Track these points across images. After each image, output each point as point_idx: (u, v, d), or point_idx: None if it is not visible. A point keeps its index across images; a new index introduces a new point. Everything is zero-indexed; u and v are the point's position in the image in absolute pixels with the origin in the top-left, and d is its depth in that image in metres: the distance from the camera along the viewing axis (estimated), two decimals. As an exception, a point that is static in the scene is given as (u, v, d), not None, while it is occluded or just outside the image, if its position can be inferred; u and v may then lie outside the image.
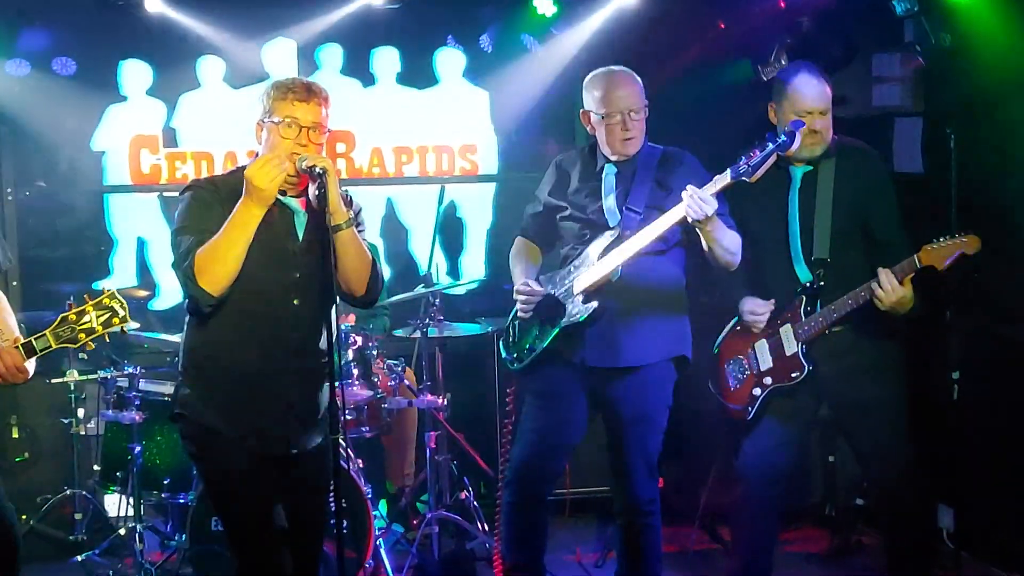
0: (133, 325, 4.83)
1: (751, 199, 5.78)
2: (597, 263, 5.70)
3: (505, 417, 6.74)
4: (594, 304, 5.67)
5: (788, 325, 5.83)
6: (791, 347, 5.81)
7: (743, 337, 6.02)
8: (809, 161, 5.83)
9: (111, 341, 7.81)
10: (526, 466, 5.98)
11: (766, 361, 5.90)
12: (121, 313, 4.62)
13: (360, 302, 4.99)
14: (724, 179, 5.41)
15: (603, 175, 5.87)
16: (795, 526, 7.69)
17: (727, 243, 5.59)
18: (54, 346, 4.62)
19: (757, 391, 5.91)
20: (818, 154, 5.81)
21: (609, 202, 5.81)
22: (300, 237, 4.81)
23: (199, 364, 4.87)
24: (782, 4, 8.09)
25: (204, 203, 4.75)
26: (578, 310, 5.72)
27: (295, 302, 4.77)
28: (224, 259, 4.57)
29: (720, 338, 6.14)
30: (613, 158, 5.85)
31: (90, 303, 4.59)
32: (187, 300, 4.81)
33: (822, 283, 5.76)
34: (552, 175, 6.10)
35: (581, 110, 5.91)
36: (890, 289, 5.48)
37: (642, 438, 5.82)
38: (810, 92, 5.78)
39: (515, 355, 6.05)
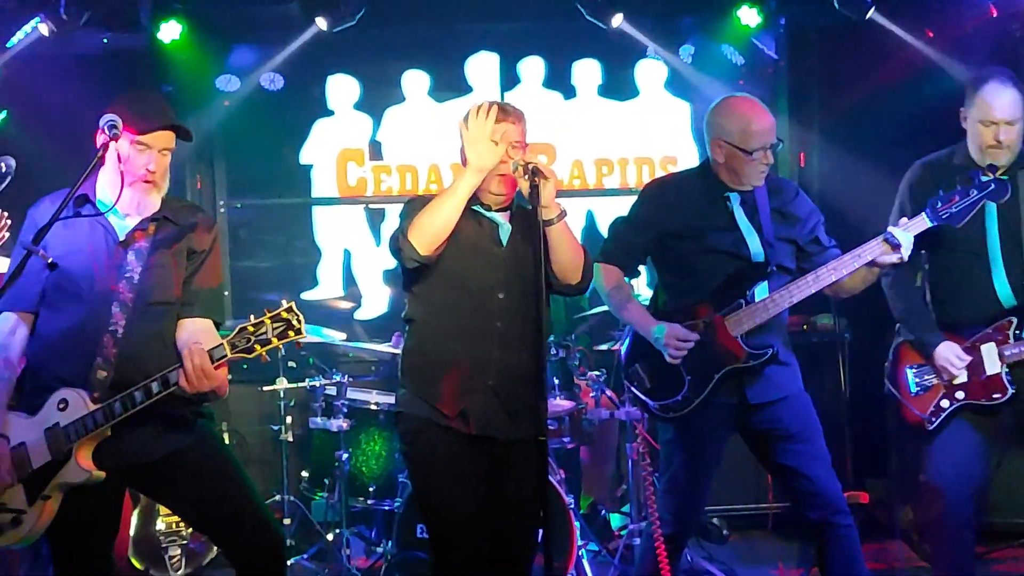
0: (308, 338, 4.82)
1: None
2: (763, 303, 5.44)
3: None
4: (770, 349, 5.44)
5: (992, 344, 5.64)
6: (993, 367, 5.62)
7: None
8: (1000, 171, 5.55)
9: (318, 351, 8.04)
10: (684, 518, 5.76)
11: (960, 375, 5.70)
12: (297, 326, 4.56)
13: (575, 289, 5.21)
14: (921, 224, 5.29)
15: (730, 205, 5.54)
16: (1003, 545, 7.48)
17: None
18: (229, 355, 4.55)
19: (945, 403, 5.70)
20: (1003, 164, 5.56)
21: (747, 234, 5.52)
22: (504, 243, 5.05)
23: (413, 362, 5.10)
24: (993, 12, 7.93)
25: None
26: (749, 353, 5.44)
27: (500, 296, 4.98)
28: (434, 216, 4.85)
29: (896, 343, 5.90)
30: (735, 187, 5.55)
31: (268, 315, 4.56)
32: (398, 265, 5.06)
33: None
34: (654, 200, 5.79)
35: (712, 139, 5.53)
36: None
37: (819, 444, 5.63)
38: (998, 102, 5.54)
39: (668, 405, 5.58)
